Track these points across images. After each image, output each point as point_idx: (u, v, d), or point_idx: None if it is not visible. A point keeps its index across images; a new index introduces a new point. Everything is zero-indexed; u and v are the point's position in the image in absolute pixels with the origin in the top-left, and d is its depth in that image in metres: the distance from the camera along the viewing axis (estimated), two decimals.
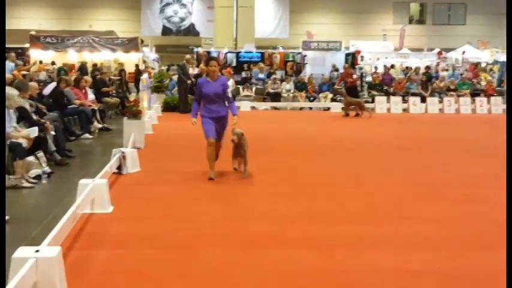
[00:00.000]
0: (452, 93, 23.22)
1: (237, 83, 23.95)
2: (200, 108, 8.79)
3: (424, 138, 14.37)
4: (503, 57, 30.97)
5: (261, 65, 24.95)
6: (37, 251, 4.19)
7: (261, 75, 24.32)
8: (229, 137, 8.69)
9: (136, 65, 26.46)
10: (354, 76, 21.43)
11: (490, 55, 32.54)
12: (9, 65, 17.41)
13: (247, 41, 27.11)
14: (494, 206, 7.30)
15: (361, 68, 27.07)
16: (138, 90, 25.49)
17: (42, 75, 20.69)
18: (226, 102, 8.77)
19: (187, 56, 20.71)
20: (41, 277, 4.08)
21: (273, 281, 4.63)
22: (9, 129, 8.13)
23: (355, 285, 4.57)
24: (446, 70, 27.17)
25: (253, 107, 21.89)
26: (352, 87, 20.95)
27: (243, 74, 25.49)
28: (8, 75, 13.55)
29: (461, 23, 43.45)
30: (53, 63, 24.79)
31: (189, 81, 19.49)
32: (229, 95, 8.96)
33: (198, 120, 8.69)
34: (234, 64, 25.99)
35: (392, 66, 28.22)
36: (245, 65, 25.80)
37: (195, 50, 26.91)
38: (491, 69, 28.47)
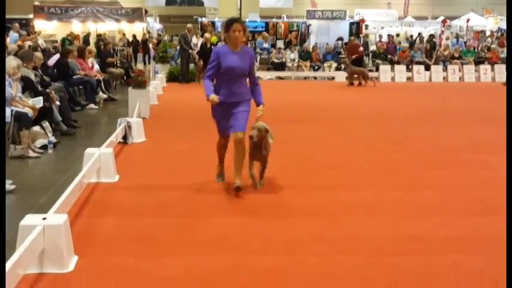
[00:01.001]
0: (456, 61, 23.04)
1: None
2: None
3: (428, 107, 14.31)
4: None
5: (265, 34, 24.76)
6: (44, 218, 4.20)
7: (266, 45, 24.20)
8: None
9: (134, 35, 26.28)
10: (360, 48, 21.13)
11: (495, 23, 32.18)
12: (13, 35, 17.34)
13: (251, 11, 26.92)
14: (500, 172, 7.29)
15: (366, 36, 26.80)
16: (144, 62, 25.52)
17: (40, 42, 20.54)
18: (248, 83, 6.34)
19: (189, 25, 20.52)
20: (48, 244, 4.09)
21: (277, 247, 4.64)
22: (13, 98, 8.10)
23: (361, 251, 4.56)
24: (448, 39, 26.88)
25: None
26: (357, 58, 20.74)
27: (248, 44, 25.33)
28: (12, 46, 13.46)
29: None
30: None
31: (190, 51, 19.42)
32: (255, 73, 6.47)
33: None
34: None
35: (397, 34, 27.96)
36: (250, 35, 25.65)
37: (199, 20, 26.69)
38: (497, 37, 28.17)
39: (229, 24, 6.04)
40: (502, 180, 6.90)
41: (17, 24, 18.63)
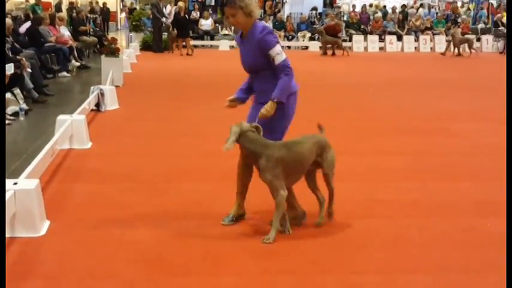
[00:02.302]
0: (427, 31, 23.16)
1: (215, 22, 23.64)
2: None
3: (399, 76, 14.42)
4: None
5: None
6: (15, 183, 4.17)
7: None
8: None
9: (104, 3, 25.88)
10: (340, 34, 20.75)
11: None
12: None
13: None
14: (462, 139, 7.42)
15: (339, 7, 26.75)
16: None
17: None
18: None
19: None
20: (20, 208, 4.06)
21: (248, 210, 4.67)
22: None
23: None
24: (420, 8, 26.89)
25: (232, 46, 21.65)
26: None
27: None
28: None
29: None
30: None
31: (163, 19, 19.17)
32: (279, 60, 4.19)
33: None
34: (213, 3, 25.54)
35: (370, 5, 27.93)
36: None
37: None
38: (468, 8, 28.28)
39: (222, 6, 4.70)
40: (464, 146, 7.07)
41: None
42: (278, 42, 4.26)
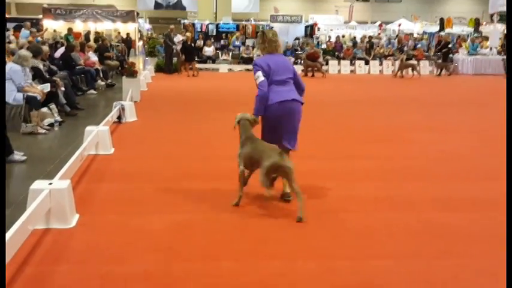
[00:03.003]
0: (390, 57, 23.20)
1: (216, 49, 23.64)
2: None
3: (367, 94, 14.39)
4: (430, 29, 30.96)
5: (238, 34, 24.58)
6: (50, 183, 4.11)
7: (237, 43, 24.02)
8: None
9: (127, 34, 25.76)
10: (319, 60, 20.69)
11: (421, 27, 32.50)
12: (24, 32, 16.82)
13: (225, 14, 26.54)
14: (422, 146, 7.39)
15: (317, 37, 26.79)
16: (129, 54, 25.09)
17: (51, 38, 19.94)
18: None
19: (171, 26, 20.31)
20: (54, 204, 4.00)
21: (244, 207, 4.61)
22: (24, 84, 7.89)
23: (312, 208, 4.56)
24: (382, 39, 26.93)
25: (230, 69, 21.62)
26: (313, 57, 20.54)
27: (222, 42, 25.09)
28: (23, 41, 13.06)
29: (398, 0, 43.06)
30: (54, 30, 23.92)
31: (174, 46, 19.16)
32: (256, 82, 4.71)
33: None
34: (214, 33, 25.50)
35: (343, 36, 27.99)
36: (223, 35, 25.40)
37: (182, 21, 26.26)
38: (421, 39, 28.36)
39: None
40: (422, 152, 7.03)
41: (28, 23, 18.03)
42: (258, 70, 4.69)
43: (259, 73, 4.66)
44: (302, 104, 4.90)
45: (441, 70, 21.67)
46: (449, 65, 21.70)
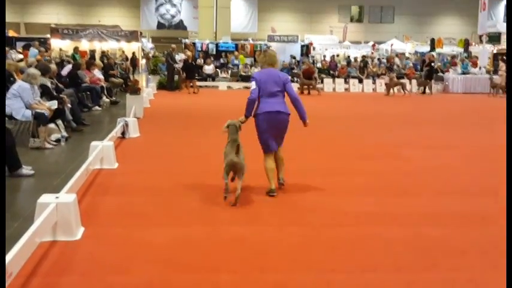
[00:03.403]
0: (382, 76, 23.32)
1: (216, 67, 23.78)
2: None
3: (360, 111, 14.48)
4: (421, 49, 31.18)
5: (236, 53, 24.76)
6: (57, 197, 4.13)
7: (236, 61, 24.16)
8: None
9: (133, 53, 25.88)
10: (315, 75, 20.81)
11: (412, 47, 32.71)
12: (33, 51, 16.92)
13: (224, 34, 26.76)
14: (411, 163, 7.42)
15: (313, 57, 26.97)
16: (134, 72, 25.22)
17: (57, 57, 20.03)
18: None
19: (173, 45, 20.51)
20: (60, 218, 4.02)
21: (242, 219, 4.63)
22: (33, 102, 7.93)
23: (308, 223, 4.58)
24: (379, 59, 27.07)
25: (229, 87, 21.73)
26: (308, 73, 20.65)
27: (221, 60, 25.24)
28: (32, 59, 13.14)
29: (391, 21, 43.40)
30: (60, 49, 24.00)
31: (175, 65, 19.28)
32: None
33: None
34: (214, 52, 25.68)
35: (337, 55, 28.16)
36: (223, 53, 25.57)
37: (183, 41, 26.46)
38: (407, 58, 28.45)
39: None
40: (412, 168, 7.05)
41: (37, 43, 18.17)
42: (253, 81, 5.49)
43: (253, 83, 5.47)
44: (288, 114, 5.52)
45: (424, 88, 21.59)
46: (430, 83, 21.67)
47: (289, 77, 6.00)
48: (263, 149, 5.55)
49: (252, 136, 5.59)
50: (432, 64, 22.38)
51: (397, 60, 26.22)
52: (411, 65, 25.52)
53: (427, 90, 21.47)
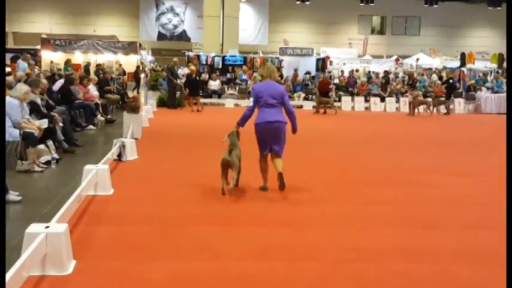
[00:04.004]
0: (407, 94, 23.36)
1: (222, 83, 23.96)
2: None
3: (382, 133, 14.51)
4: (450, 64, 31.30)
5: (245, 67, 24.91)
6: (47, 227, 4.18)
7: (244, 76, 24.34)
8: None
9: (138, 66, 26.24)
10: (330, 86, 20.98)
11: (440, 62, 32.84)
12: (23, 64, 17.19)
13: (231, 46, 27.01)
14: (441, 191, 7.40)
15: (329, 72, 27.15)
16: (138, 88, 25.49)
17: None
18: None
19: (175, 59, 20.61)
20: (50, 249, 4.06)
21: (250, 254, 4.66)
22: (21, 120, 8.05)
23: (322, 259, 4.60)
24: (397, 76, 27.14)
25: (236, 104, 21.87)
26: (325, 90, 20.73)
27: (228, 75, 25.44)
28: (21, 73, 13.35)
29: (416, 33, 43.72)
30: (51, 62, 24.36)
31: (176, 81, 19.44)
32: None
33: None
34: (220, 66, 25.90)
35: (357, 70, 28.31)
36: (230, 68, 25.77)
37: (187, 53, 26.74)
38: (422, 74, 28.48)
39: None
40: (439, 197, 7.03)
41: (28, 55, 18.45)
42: (253, 96, 6.99)
43: (252, 99, 6.72)
44: (285, 123, 6.83)
45: (439, 108, 21.33)
46: (448, 102, 21.62)
47: (285, 89, 7.33)
48: (259, 151, 6.96)
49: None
50: (451, 81, 22.42)
51: (421, 76, 26.30)
52: (439, 82, 25.56)
53: (443, 110, 21.40)
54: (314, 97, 21.45)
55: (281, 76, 24.73)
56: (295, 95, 23.39)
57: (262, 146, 6.90)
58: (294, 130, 7.09)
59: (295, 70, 26.02)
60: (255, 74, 24.27)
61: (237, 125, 6.92)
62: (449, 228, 5.68)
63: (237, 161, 6.71)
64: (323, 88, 20.30)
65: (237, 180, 6.95)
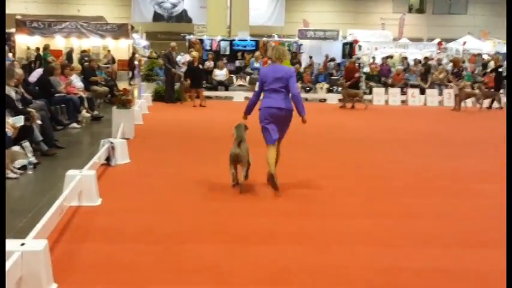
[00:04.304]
0: (451, 85, 23.19)
1: (230, 72, 23.90)
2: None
3: (421, 131, 14.43)
4: (504, 49, 31.07)
5: (258, 53, 24.83)
6: (22, 244, 4.18)
7: (257, 65, 24.23)
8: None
9: (133, 53, 26.32)
10: (357, 74, 20.82)
11: (492, 46, 32.57)
12: None
13: (241, 29, 27.00)
14: (491, 202, 7.32)
15: (358, 59, 27.07)
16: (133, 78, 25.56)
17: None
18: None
19: (172, 44, 20.39)
20: (27, 272, 4.06)
21: (265, 278, 4.64)
22: None
23: (352, 284, 4.58)
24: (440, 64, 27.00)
25: (247, 98, 21.83)
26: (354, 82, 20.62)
27: (237, 63, 25.41)
28: None
29: (463, 12, 43.49)
30: (38, 49, 24.56)
31: (175, 70, 19.40)
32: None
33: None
34: (228, 52, 25.92)
35: (391, 56, 28.18)
36: (239, 54, 25.73)
37: (187, 37, 26.80)
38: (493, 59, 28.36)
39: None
40: (491, 209, 6.95)
41: None
42: (259, 80, 7.77)
43: (258, 84, 7.71)
44: (291, 110, 7.37)
45: (492, 101, 21.23)
46: (498, 95, 21.41)
47: (294, 72, 7.82)
48: (265, 140, 7.49)
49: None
50: (500, 69, 22.23)
51: (468, 64, 26.16)
52: (487, 70, 25.31)
53: (495, 104, 21.25)
54: (340, 89, 21.38)
55: (299, 63, 24.71)
56: (317, 85, 23.32)
57: (266, 135, 7.44)
58: (301, 116, 7.44)
59: (310, 58, 25.97)
60: (269, 62, 24.24)
61: (244, 116, 7.75)
62: (502, 247, 5.60)
63: (246, 154, 7.46)
64: (349, 76, 20.19)
65: (247, 174, 7.64)
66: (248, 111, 7.72)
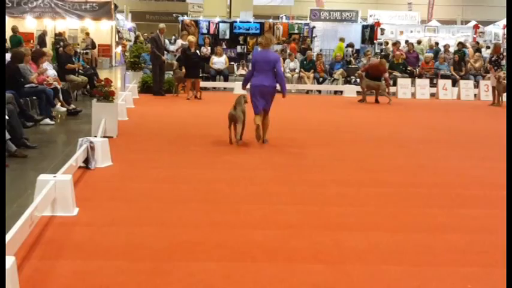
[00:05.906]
0: (489, 75, 23.14)
1: (230, 59, 23.86)
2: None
3: (455, 130, 14.42)
4: None
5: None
6: None
7: None
8: None
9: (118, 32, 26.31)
10: (386, 74, 20.55)
11: None
12: None
13: (243, 9, 27.01)
14: None
15: (380, 44, 27.03)
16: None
17: None
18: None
19: (161, 25, 20.35)
20: None
21: None
22: None
23: None
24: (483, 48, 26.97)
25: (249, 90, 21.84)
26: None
27: (238, 49, 25.40)
28: None
29: None
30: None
31: (163, 57, 19.31)
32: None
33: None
34: (228, 36, 25.90)
35: (419, 42, 28.14)
36: (240, 38, 25.70)
37: (180, 18, 26.75)
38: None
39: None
40: None
41: None
42: (251, 61, 12.17)
43: (250, 64, 12.13)
44: (274, 86, 11.25)
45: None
46: None
47: (280, 57, 12.37)
48: (253, 110, 11.16)
49: None
50: None
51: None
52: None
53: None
54: (358, 80, 21.32)
55: (310, 49, 24.66)
56: (334, 75, 23.25)
57: (255, 105, 11.18)
58: (283, 93, 11.60)
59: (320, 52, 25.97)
60: (276, 47, 24.27)
61: (243, 88, 12.32)
62: None
63: (241, 114, 10.78)
64: (374, 73, 20.01)
65: (241, 135, 10.93)
66: (244, 85, 12.01)
